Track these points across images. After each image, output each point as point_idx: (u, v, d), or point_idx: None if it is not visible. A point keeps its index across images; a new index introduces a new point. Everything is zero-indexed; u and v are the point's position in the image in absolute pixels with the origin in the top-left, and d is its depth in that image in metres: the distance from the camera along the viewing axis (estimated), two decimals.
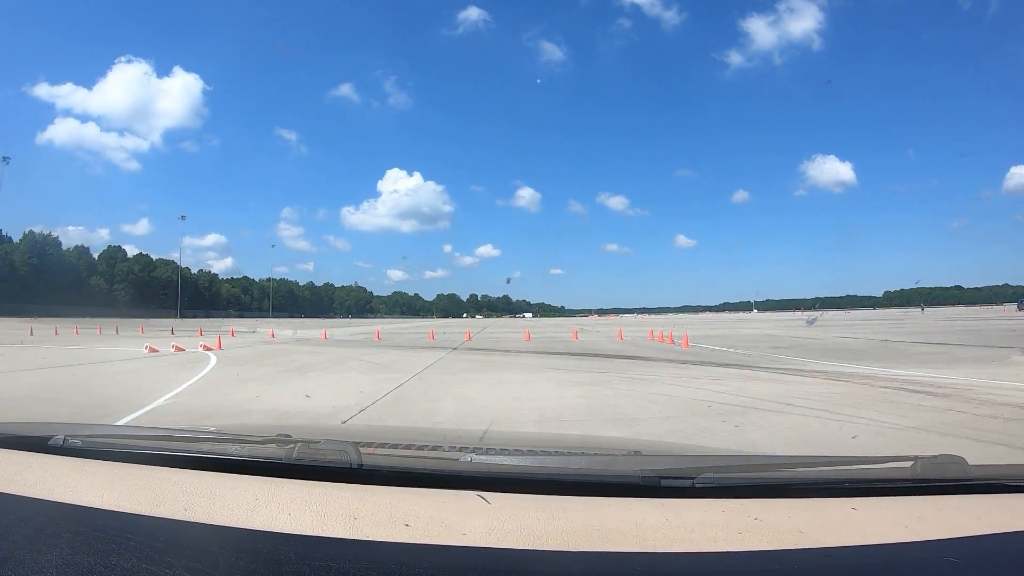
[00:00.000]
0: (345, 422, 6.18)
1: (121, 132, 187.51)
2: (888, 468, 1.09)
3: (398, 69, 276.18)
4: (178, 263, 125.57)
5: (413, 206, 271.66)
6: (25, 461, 1.11)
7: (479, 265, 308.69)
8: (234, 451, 1.17)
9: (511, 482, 1.01)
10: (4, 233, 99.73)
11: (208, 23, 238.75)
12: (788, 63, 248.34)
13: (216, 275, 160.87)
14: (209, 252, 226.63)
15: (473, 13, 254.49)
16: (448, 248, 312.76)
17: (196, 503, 0.90)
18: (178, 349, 17.94)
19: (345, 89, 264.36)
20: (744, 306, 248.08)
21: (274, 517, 0.85)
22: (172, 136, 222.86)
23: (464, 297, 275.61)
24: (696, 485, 0.98)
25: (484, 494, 0.93)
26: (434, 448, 1.47)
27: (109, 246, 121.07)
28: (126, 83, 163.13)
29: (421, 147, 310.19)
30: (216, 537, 0.81)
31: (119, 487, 0.98)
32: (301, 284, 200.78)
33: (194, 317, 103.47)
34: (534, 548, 0.77)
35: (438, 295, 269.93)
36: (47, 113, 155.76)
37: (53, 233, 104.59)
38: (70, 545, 0.77)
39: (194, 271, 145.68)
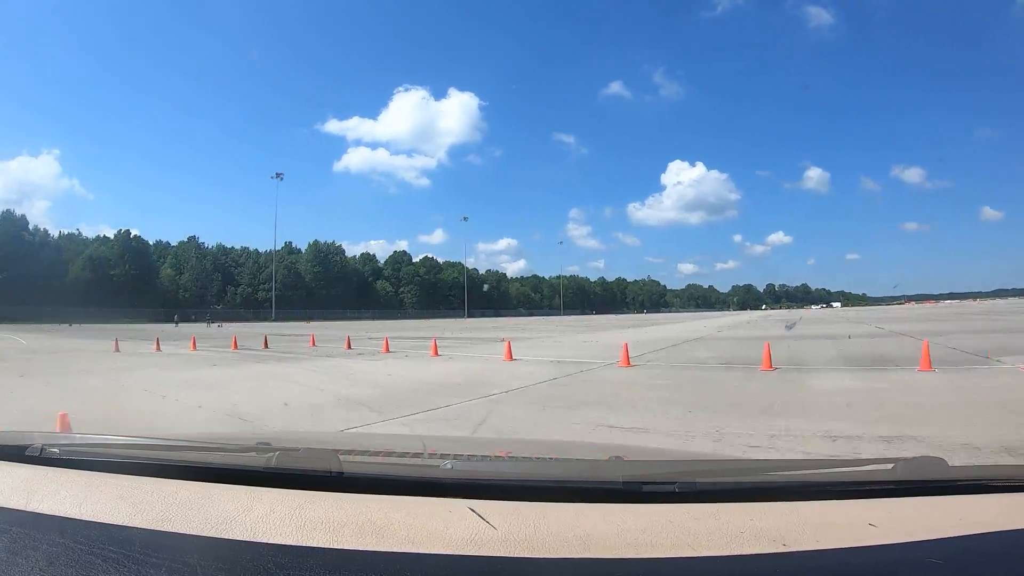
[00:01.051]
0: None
1: (409, 153, 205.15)
2: (869, 471, 1.09)
3: (664, 60, 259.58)
4: (465, 265, 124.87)
5: (698, 197, 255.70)
6: (1, 470, 1.07)
7: (771, 254, 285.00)
8: (213, 459, 1.14)
9: (492, 488, 0.97)
10: (294, 245, 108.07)
11: (475, 43, 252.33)
12: None
13: (504, 275, 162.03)
14: (502, 256, 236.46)
15: None
16: (738, 238, 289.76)
17: (174, 512, 0.88)
18: None
19: (616, 87, 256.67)
20: None
21: (254, 526, 0.83)
22: (456, 152, 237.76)
23: (760, 287, 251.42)
24: (678, 490, 0.95)
25: (465, 501, 0.91)
26: (415, 455, 1.48)
27: (395, 252, 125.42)
28: (407, 110, 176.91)
29: (699, 136, 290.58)
30: (195, 547, 0.79)
31: (97, 496, 0.94)
32: (592, 280, 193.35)
33: (482, 316, 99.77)
34: (516, 555, 0.76)
35: (733, 286, 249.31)
36: (340, 145, 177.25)
37: (342, 245, 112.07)
38: (47, 556, 0.76)
39: (482, 272, 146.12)
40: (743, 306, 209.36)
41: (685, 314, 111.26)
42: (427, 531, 0.81)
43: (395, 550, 0.76)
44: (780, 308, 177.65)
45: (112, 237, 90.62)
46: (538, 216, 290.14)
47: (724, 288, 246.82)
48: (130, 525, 0.84)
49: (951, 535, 0.81)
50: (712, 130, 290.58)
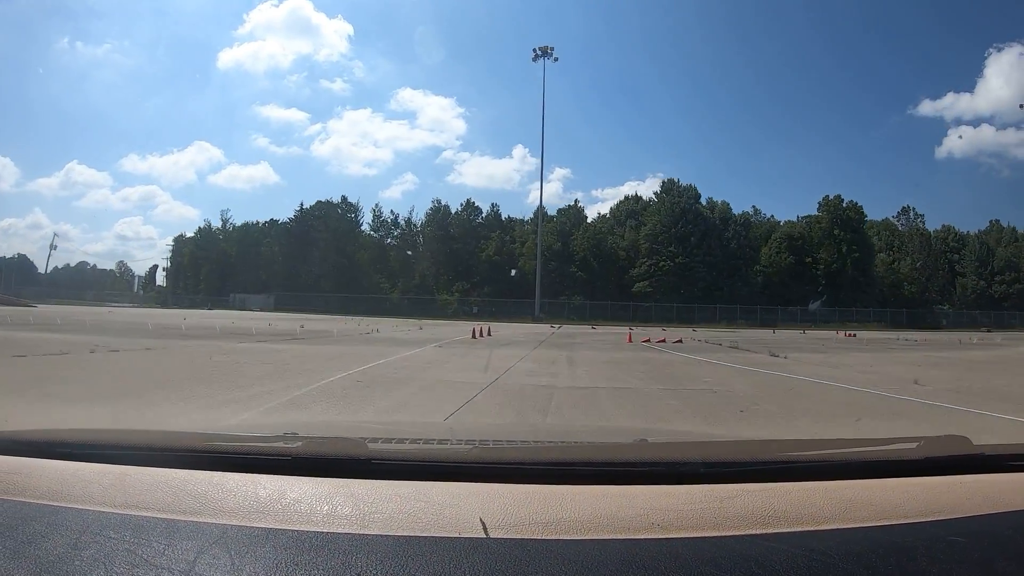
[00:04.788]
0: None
1: (1019, 126, 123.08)
2: (894, 450, 1.10)
3: None
4: None
5: None
6: (35, 467, 1.07)
7: None
8: (242, 449, 1.14)
9: (519, 473, 0.99)
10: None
11: None
12: None
13: None
14: None
15: None
16: None
17: (204, 503, 0.89)
18: None
19: None
20: None
21: (284, 514, 0.85)
22: None
23: None
24: (703, 471, 0.97)
25: (491, 486, 0.93)
26: (442, 441, 1.53)
27: None
28: (1004, 73, 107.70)
29: None
30: (225, 536, 0.79)
31: (127, 489, 0.95)
32: None
33: None
34: (543, 538, 0.77)
35: None
36: (938, 128, 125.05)
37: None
38: (76, 549, 0.76)
39: None
40: None
41: None
42: (456, 516, 0.82)
43: (424, 534, 0.77)
44: None
45: (816, 211, 72.32)
46: None
47: None
48: (159, 516, 0.84)
49: (975, 513, 0.81)
50: None
